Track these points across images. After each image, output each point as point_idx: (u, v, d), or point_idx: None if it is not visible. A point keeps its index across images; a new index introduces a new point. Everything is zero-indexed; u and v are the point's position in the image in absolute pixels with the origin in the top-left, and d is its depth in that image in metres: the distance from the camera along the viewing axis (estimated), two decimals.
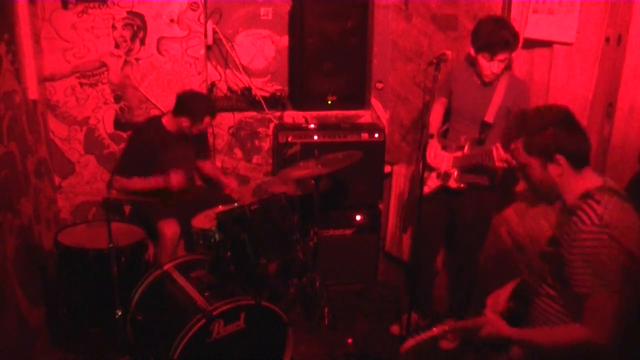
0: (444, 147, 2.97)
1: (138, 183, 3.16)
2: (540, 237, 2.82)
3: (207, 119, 3.20)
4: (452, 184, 2.89)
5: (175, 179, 3.16)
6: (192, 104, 3.15)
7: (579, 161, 1.75)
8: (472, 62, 2.82)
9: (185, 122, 3.15)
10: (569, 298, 1.74)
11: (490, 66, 2.69)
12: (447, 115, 3.10)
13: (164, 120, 3.25)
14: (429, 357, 1.96)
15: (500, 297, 2.02)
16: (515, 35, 2.64)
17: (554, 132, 1.73)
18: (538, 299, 1.86)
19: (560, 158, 1.73)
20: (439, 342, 1.90)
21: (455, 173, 2.89)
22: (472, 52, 2.74)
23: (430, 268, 3.27)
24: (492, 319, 1.84)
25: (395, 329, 3.19)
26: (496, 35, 2.61)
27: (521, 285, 1.96)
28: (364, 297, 3.60)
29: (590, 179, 1.76)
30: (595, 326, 1.65)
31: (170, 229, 3.07)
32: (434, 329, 1.86)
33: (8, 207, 2.66)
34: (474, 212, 2.97)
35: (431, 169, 2.96)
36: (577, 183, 1.75)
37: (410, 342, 1.88)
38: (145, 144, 3.17)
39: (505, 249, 3.13)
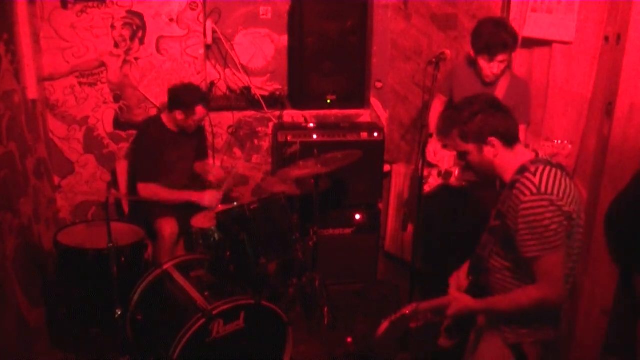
0: (445, 146, 2.97)
1: (171, 195, 3.16)
2: None
3: (200, 109, 3.13)
4: (454, 182, 2.90)
5: (210, 198, 3.15)
6: (181, 96, 3.12)
7: (510, 139, 1.90)
8: (473, 62, 2.82)
9: (179, 115, 3.12)
10: (521, 264, 1.86)
11: (490, 67, 2.71)
12: None
13: (164, 118, 3.24)
14: (400, 336, 2.05)
15: (461, 276, 2.12)
16: (514, 37, 2.65)
17: (483, 117, 1.88)
18: (494, 271, 1.97)
19: (493, 140, 1.88)
20: (410, 322, 1.97)
21: (457, 171, 2.89)
22: (472, 53, 2.74)
23: (441, 265, 3.25)
24: (457, 295, 1.97)
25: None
26: (495, 37, 2.62)
27: (475, 258, 2.06)
28: (364, 296, 3.60)
29: (522, 155, 1.90)
30: (548, 285, 1.80)
31: (168, 227, 3.07)
32: (405, 309, 1.95)
33: (8, 207, 2.66)
34: (476, 210, 2.97)
35: (431, 166, 2.96)
36: (512, 160, 1.89)
37: (384, 325, 1.97)
38: (151, 144, 3.16)
39: None
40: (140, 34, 3.42)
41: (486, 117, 1.88)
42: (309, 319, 3.19)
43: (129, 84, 3.49)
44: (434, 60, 2.59)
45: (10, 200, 2.70)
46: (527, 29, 2.80)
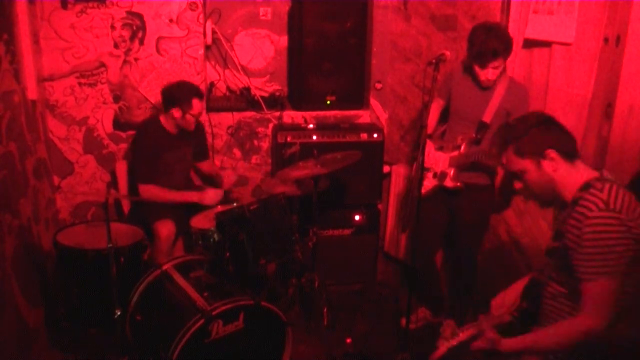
0: (440, 148, 2.98)
1: (172, 195, 3.16)
2: (539, 237, 2.82)
3: (196, 102, 3.12)
4: (449, 183, 2.90)
5: (211, 196, 3.16)
6: (175, 92, 3.12)
7: (569, 153, 1.81)
8: (470, 66, 2.83)
9: (176, 112, 3.11)
10: (577, 291, 1.75)
11: (484, 73, 2.75)
12: (445, 117, 3.11)
13: (162, 120, 3.24)
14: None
15: (505, 299, 2.03)
16: (506, 43, 2.67)
17: (538, 130, 1.81)
18: (549, 298, 1.87)
19: (551, 152, 1.79)
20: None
21: (452, 172, 2.89)
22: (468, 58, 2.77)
23: (432, 267, 3.26)
24: (492, 336, 1.83)
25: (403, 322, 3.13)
26: (485, 45, 2.66)
27: (532, 283, 1.96)
28: (363, 297, 3.60)
29: (585, 172, 1.82)
30: (593, 312, 1.68)
31: (165, 229, 3.06)
32: (463, 334, 1.91)
33: (7, 208, 2.65)
34: (473, 212, 2.97)
35: (426, 169, 2.96)
36: (574, 176, 1.81)
37: (441, 350, 1.93)
38: (149, 146, 3.15)
39: (504, 249, 3.13)
40: (140, 34, 3.42)
41: (541, 130, 1.80)
42: (308, 319, 3.19)
43: (128, 85, 3.49)
44: (433, 61, 2.58)
45: (9, 200, 2.70)
46: (527, 30, 2.81)
